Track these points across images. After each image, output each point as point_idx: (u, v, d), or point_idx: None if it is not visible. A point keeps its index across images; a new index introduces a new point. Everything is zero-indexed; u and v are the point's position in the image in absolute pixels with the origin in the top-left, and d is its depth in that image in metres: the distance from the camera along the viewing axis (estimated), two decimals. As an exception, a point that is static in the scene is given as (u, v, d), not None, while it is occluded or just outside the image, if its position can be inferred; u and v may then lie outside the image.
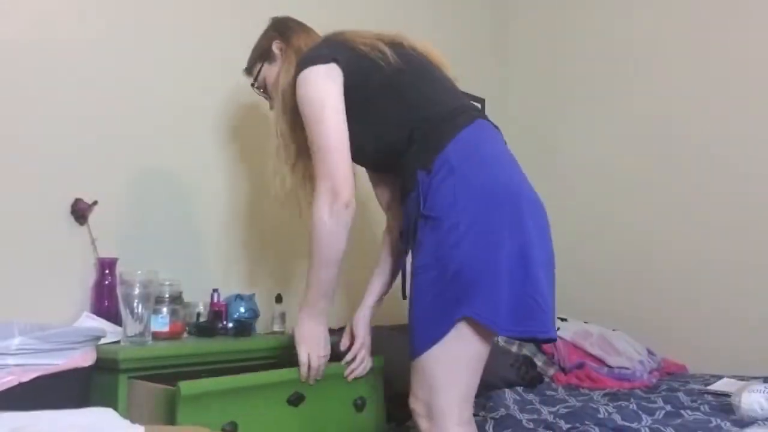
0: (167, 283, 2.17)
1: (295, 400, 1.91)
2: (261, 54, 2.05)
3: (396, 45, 1.83)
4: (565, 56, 3.88)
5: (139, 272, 1.96)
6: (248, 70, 2.12)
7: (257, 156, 2.71)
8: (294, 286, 2.66)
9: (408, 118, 1.75)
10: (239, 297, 2.40)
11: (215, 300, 2.34)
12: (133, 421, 1.37)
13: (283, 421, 1.88)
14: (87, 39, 2.25)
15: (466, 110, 1.79)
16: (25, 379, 1.62)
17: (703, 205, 3.33)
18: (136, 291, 1.93)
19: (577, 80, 3.82)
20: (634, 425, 2.04)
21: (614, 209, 3.62)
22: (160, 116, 2.43)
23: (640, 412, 2.19)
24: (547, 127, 3.92)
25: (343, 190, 1.69)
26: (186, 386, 1.65)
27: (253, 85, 2.10)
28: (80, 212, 2.16)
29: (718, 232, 3.27)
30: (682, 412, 2.23)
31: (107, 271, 2.16)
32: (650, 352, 3.08)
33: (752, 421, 2.10)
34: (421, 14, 3.54)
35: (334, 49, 1.79)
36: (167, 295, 2.15)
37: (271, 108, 2.01)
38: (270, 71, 2.03)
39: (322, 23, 3.03)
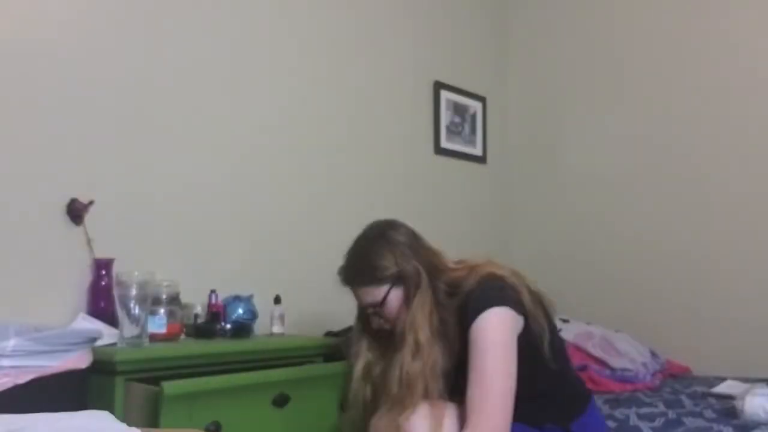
0: (164, 283, 2.15)
1: (280, 401, 1.90)
2: (391, 277, 1.87)
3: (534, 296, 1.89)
4: (565, 56, 3.87)
5: (136, 273, 1.95)
6: (367, 288, 1.90)
7: (257, 156, 2.70)
8: (293, 287, 2.64)
9: (554, 379, 1.86)
10: (237, 298, 2.38)
11: (213, 301, 2.32)
12: (130, 423, 1.35)
13: (267, 422, 1.89)
14: (84, 39, 2.23)
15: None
16: (21, 380, 1.61)
17: (707, 207, 3.31)
18: (133, 292, 1.91)
19: (577, 80, 3.80)
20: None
21: (616, 209, 3.60)
22: (158, 116, 2.40)
23: (640, 423, 2.17)
24: (548, 127, 3.90)
25: (506, 428, 1.71)
26: (169, 386, 1.65)
27: (374, 307, 1.89)
28: (76, 212, 2.14)
29: (723, 233, 3.25)
30: (683, 419, 2.21)
31: (103, 272, 2.14)
32: (653, 354, 3.06)
33: (756, 426, 2.09)
34: (421, 14, 3.52)
35: (519, 303, 1.80)
36: (164, 296, 2.14)
37: (387, 325, 1.89)
38: (399, 294, 1.87)
39: (322, 23, 3.03)
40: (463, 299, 1.81)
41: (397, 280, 1.85)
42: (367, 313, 1.92)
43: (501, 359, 1.72)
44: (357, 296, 1.92)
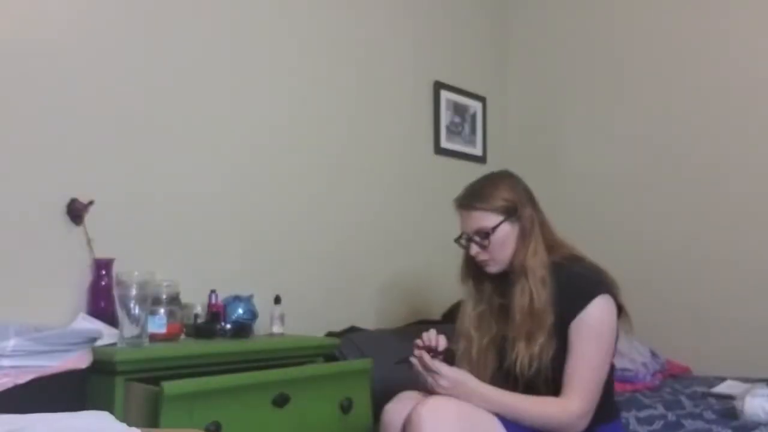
0: (164, 283, 2.15)
1: (280, 401, 1.90)
2: (507, 210, 1.94)
3: None
4: (565, 56, 3.87)
5: (136, 273, 1.95)
6: (481, 212, 1.97)
7: (257, 156, 2.70)
8: (293, 287, 2.64)
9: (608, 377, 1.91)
10: (237, 298, 2.38)
11: (213, 301, 2.31)
12: (130, 423, 1.35)
13: (268, 422, 1.89)
14: (84, 39, 2.22)
15: None
16: (21, 380, 1.61)
17: (706, 206, 3.31)
18: (133, 292, 1.91)
19: (578, 80, 3.80)
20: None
21: (616, 210, 3.60)
22: (158, 116, 2.40)
23: (639, 428, 2.17)
24: (548, 127, 3.90)
25: (589, 415, 1.80)
26: (169, 386, 1.65)
27: (481, 234, 1.96)
28: (76, 212, 2.13)
29: (723, 233, 3.25)
30: (683, 421, 2.21)
31: (103, 272, 2.13)
32: (653, 354, 3.06)
33: (755, 426, 2.09)
34: (421, 14, 3.52)
35: (618, 296, 1.93)
36: (164, 296, 2.14)
37: (483, 257, 1.98)
38: (507, 230, 1.94)
39: (322, 23, 3.03)
40: (562, 271, 1.88)
41: (513, 216, 1.92)
42: (469, 239, 1.98)
43: (606, 350, 1.82)
44: (466, 221, 1.98)
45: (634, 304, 3.41)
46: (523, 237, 1.92)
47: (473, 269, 2.04)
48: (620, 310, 1.90)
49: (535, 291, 1.85)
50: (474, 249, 1.96)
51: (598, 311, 1.81)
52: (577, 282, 1.86)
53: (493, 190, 1.95)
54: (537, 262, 1.89)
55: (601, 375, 1.81)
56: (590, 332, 1.80)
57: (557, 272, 1.89)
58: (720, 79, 3.32)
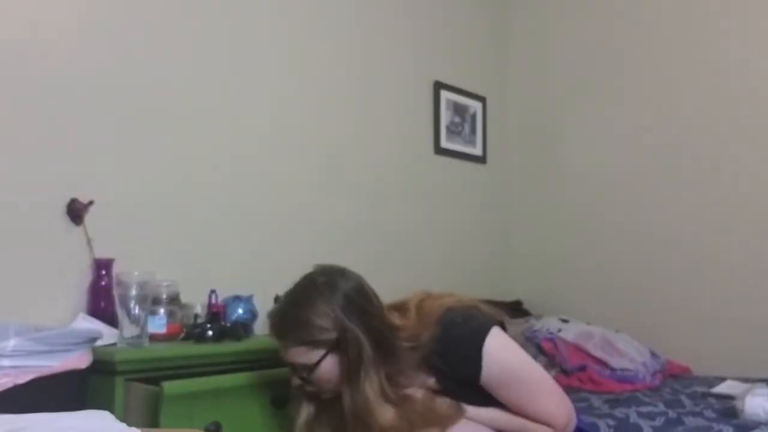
0: (164, 283, 2.15)
1: (280, 401, 1.90)
2: (328, 341, 1.65)
3: None
4: (565, 56, 3.87)
5: (136, 273, 1.95)
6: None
7: (257, 155, 2.70)
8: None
9: None
10: (237, 298, 2.38)
11: (213, 301, 2.31)
12: (130, 423, 1.35)
13: (267, 422, 1.88)
14: (84, 39, 2.22)
15: None
16: (21, 380, 1.61)
17: (706, 206, 3.31)
18: (133, 292, 1.91)
19: (578, 80, 3.80)
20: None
21: (616, 209, 3.60)
22: (158, 116, 2.40)
23: (640, 421, 2.17)
24: (548, 127, 3.90)
25: (571, 414, 1.72)
26: (169, 386, 1.66)
27: (303, 369, 1.68)
28: (76, 212, 2.14)
29: (723, 232, 3.25)
30: (683, 418, 2.21)
31: (103, 272, 2.14)
32: (653, 354, 3.06)
33: (756, 426, 2.09)
34: (421, 14, 3.52)
35: (488, 315, 1.76)
36: (164, 296, 2.14)
37: (312, 389, 1.71)
38: (332, 362, 1.66)
39: (322, 23, 3.03)
40: (431, 350, 1.66)
41: (335, 347, 1.63)
42: (292, 373, 1.72)
43: (529, 369, 1.71)
44: (284, 353, 1.70)
45: (634, 304, 3.46)
46: (351, 367, 1.62)
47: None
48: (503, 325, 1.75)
49: None
50: (296, 382, 1.70)
51: (493, 358, 1.64)
52: (456, 348, 1.66)
53: (309, 319, 1.64)
54: (371, 395, 1.61)
55: (546, 381, 1.71)
56: (504, 377, 1.66)
57: (433, 351, 1.66)
58: (720, 78, 3.31)
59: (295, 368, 1.69)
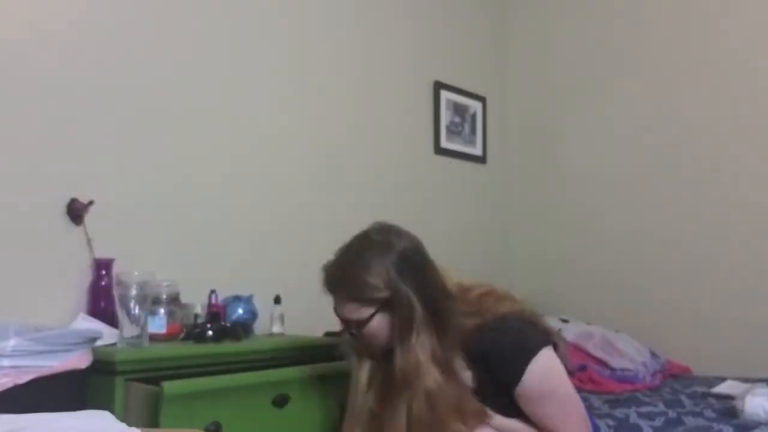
0: (164, 284, 2.15)
1: (280, 401, 1.90)
2: (378, 300, 1.66)
3: None
4: (565, 56, 3.87)
5: (136, 273, 1.95)
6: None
7: (257, 155, 2.70)
8: (293, 287, 2.64)
9: None
10: (237, 298, 2.38)
11: (213, 301, 2.31)
12: (130, 423, 1.35)
13: (268, 422, 1.89)
14: (85, 39, 2.22)
15: None
16: (21, 380, 1.61)
17: (706, 206, 3.31)
18: (133, 292, 1.91)
19: (578, 80, 3.80)
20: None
21: (616, 209, 3.60)
22: (158, 116, 2.40)
23: (640, 421, 2.17)
24: (548, 127, 3.90)
25: None
26: (169, 386, 1.65)
27: (355, 325, 1.70)
28: (76, 212, 2.14)
29: (723, 232, 3.25)
30: (683, 418, 2.21)
31: (103, 272, 2.14)
32: (653, 354, 3.06)
33: (756, 425, 2.09)
34: (421, 14, 3.52)
35: (547, 333, 1.74)
36: (164, 296, 2.14)
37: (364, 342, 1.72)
38: (381, 321, 1.67)
39: (322, 22, 3.03)
40: (477, 343, 1.65)
41: (386, 305, 1.63)
42: (343, 327, 1.74)
43: (565, 394, 1.68)
44: (337, 305, 1.72)
45: (634, 304, 3.46)
46: (402, 327, 1.62)
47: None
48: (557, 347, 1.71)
49: (416, 407, 1.60)
50: (346, 335, 1.73)
51: (537, 374, 1.62)
52: (505, 353, 1.64)
53: (361, 276, 1.64)
54: (422, 357, 1.60)
55: (577, 408, 1.69)
56: (541, 394, 1.64)
57: (479, 342, 1.65)
58: (720, 78, 3.31)
59: (346, 322, 1.70)
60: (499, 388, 1.66)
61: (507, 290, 1.82)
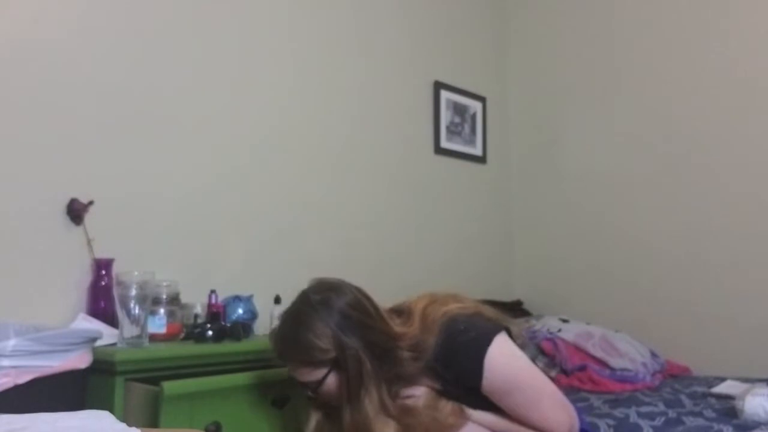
0: (164, 284, 2.15)
1: (280, 401, 1.90)
2: (328, 361, 1.65)
3: None
4: (565, 56, 3.87)
5: (136, 273, 1.95)
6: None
7: (257, 156, 2.70)
8: (293, 287, 2.63)
9: None
10: (237, 298, 2.38)
11: (213, 301, 2.31)
12: (130, 423, 1.34)
13: (267, 422, 1.89)
14: (84, 39, 2.23)
15: None
16: (21, 380, 1.61)
17: (707, 207, 3.31)
18: (133, 292, 1.91)
19: (578, 80, 3.80)
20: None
21: (616, 209, 3.60)
22: (158, 116, 2.40)
23: (640, 421, 2.17)
24: (548, 127, 3.90)
25: (574, 420, 1.70)
26: (169, 386, 1.65)
27: (311, 388, 1.70)
28: (76, 212, 2.14)
29: (723, 233, 3.25)
30: (683, 418, 2.20)
31: (103, 272, 2.14)
32: (653, 354, 3.06)
33: (756, 426, 2.08)
34: (421, 14, 3.52)
35: (494, 322, 1.73)
36: (164, 296, 2.14)
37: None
38: (335, 379, 1.67)
39: (322, 23, 3.03)
40: (434, 358, 1.66)
41: (336, 364, 1.63)
42: (301, 388, 1.73)
43: (531, 376, 1.68)
44: (291, 371, 1.72)
45: (634, 304, 3.46)
46: (351, 383, 1.62)
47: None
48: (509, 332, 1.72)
49: None
50: (307, 395, 1.72)
51: (494, 369, 1.62)
52: (458, 358, 1.65)
53: (308, 340, 1.63)
54: (371, 413, 1.60)
55: (547, 389, 1.69)
56: (505, 387, 1.64)
57: (434, 357, 1.66)
58: (720, 78, 3.31)
59: (303, 385, 1.70)
60: (470, 391, 1.67)
61: (448, 292, 1.81)
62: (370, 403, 1.61)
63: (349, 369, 1.62)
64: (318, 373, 1.65)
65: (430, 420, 1.65)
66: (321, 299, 1.68)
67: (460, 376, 1.66)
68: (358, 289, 1.75)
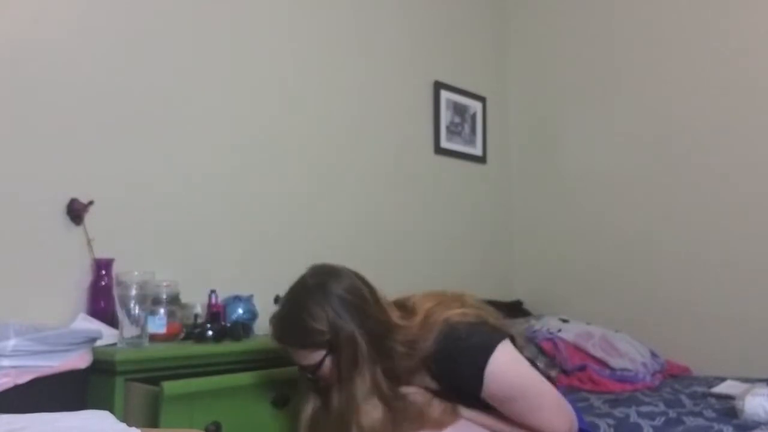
0: (164, 284, 2.14)
1: (280, 401, 1.90)
2: (325, 343, 1.67)
3: None
4: (565, 56, 3.87)
5: (136, 273, 1.95)
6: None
7: (256, 155, 2.70)
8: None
9: None
10: (237, 298, 2.38)
11: (213, 301, 2.31)
12: (130, 423, 1.35)
13: (267, 422, 1.89)
14: (84, 39, 2.23)
15: None
16: (21, 380, 1.61)
17: (707, 207, 3.31)
18: (133, 292, 1.91)
19: (578, 80, 3.80)
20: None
21: (616, 209, 3.60)
22: (158, 116, 2.40)
23: (640, 421, 2.17)
24: (548, 127, 3.90)
25: (573, 422, 1.70)
26: (169, 386, 1.66)
27: (309, 370, 1.71)
28: (76, 212, 2.14)
29: (723, 233, 3.25)
30: (683, 418, 2.20)
31: (103, 272, 2.14)
32: (653, 354, 3.06)
33: (756, 426, 2.08)
34: (421, 14, 3.52)
35: (497, 330, 1.71)
36: (164, 296, 2.13)
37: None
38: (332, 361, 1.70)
39: (321, 22, 3.03)
40: (432, 358, 1.65)
41: (333, 347, 1.64)
42: (300, 372, 1.75)
43: (531, 383, 1.67)
44: (290, 355, 1.73)
45: (634, 304, 3.46)
46: (346, 365, 1.63)
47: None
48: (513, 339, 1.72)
49: None
50: (307, 379, 1.74)
51: (495, 378, 1.62)
52: (457, 365, 1.64)
53: (304, 322, 1.65)
54: (359, 395, 1.61)
55: (547, 393, 1.67)
56: (505, 394, 1.64)
57: (433, 361, 1.66)
58: (720, 78, 3.31)
59: (302, 368, 1.72)
60: (468, 396, 1.67)
61: (456, 293, 1.80)
62: (362, 385, 1.62)
63: (344, 351, 1.63)
64: (316, 356, 1.66)
65: (419, 414, 1.65)
66: (318, 282, 1.70)
67: (461, 383, 1.65)
68: (357, 275, 1.76)
